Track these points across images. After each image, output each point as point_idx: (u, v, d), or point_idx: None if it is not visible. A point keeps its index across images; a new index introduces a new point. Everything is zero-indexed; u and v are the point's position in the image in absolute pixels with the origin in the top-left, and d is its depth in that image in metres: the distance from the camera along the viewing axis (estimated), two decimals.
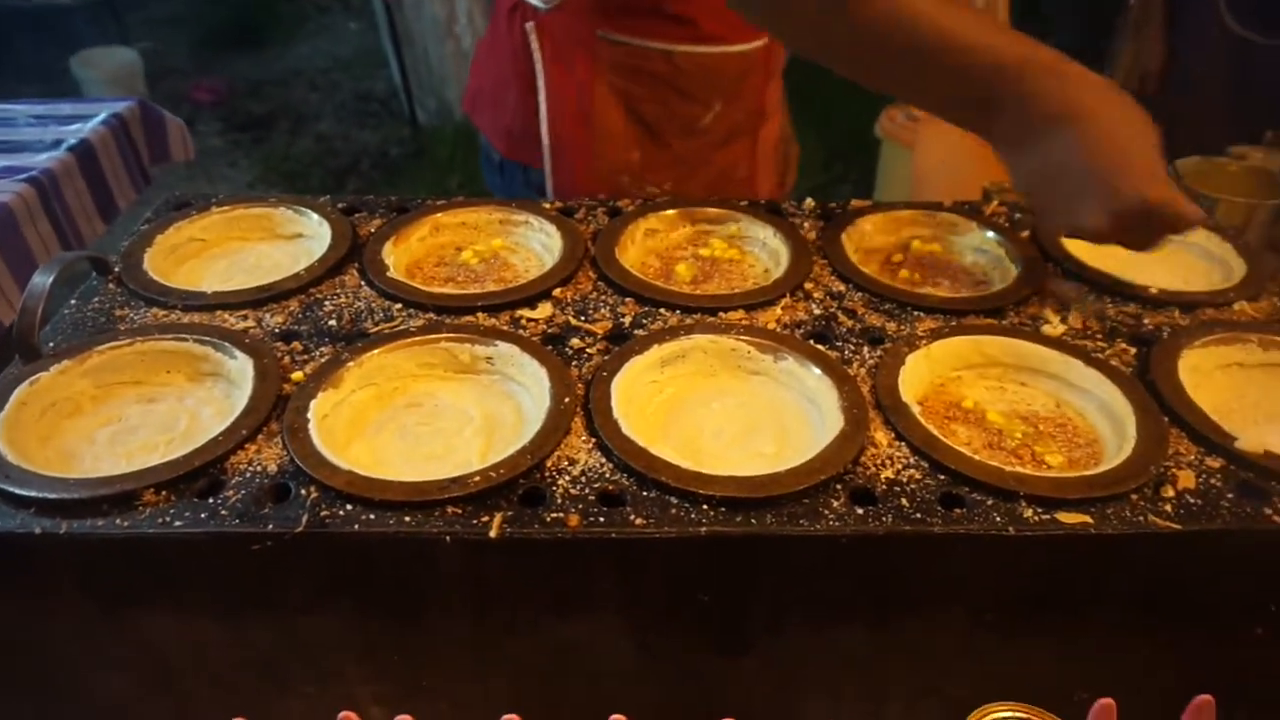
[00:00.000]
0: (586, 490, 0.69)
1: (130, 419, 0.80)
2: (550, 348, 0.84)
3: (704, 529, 0.66)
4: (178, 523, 0.66)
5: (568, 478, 0.71)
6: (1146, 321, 0.91)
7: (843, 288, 0.95)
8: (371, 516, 0.67)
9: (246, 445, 0.73)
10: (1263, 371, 0.86)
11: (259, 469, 0.71)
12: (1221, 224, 1.08)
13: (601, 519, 0.67)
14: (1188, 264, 1.04)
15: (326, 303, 0.91)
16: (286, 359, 0.83)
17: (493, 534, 0.65)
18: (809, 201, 1.10)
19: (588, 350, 0.85)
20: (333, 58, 4.75)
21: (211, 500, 0.68)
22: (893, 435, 0.75)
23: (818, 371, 0.81)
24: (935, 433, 0.75)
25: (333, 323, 0.88)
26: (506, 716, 0.56)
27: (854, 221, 1.05)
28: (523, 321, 0.89)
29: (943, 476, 0.71)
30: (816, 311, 0.91)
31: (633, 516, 0.67)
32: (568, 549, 0.66)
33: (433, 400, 0.82)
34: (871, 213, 1.07)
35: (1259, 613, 0.71)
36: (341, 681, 0.76)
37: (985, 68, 0.83)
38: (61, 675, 0.75)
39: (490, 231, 1.06)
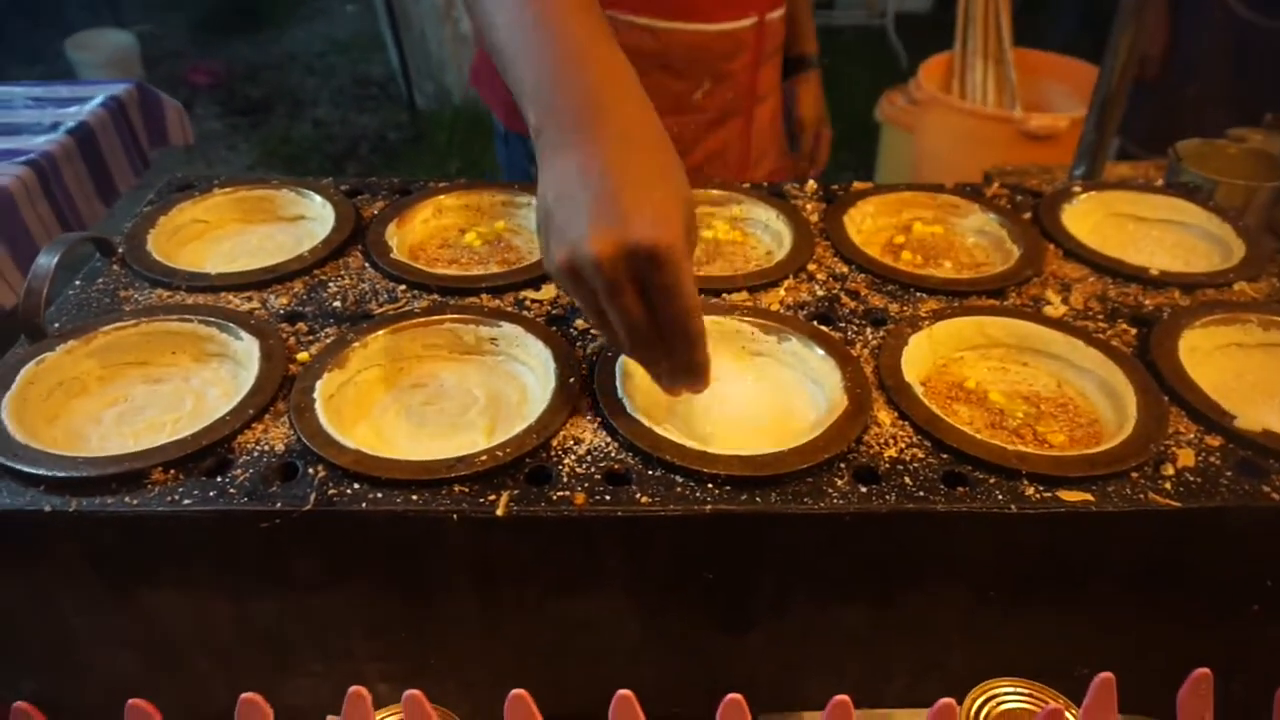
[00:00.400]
0: (592, 469, 0.70)
1: (136, 399, 0.80)
2: (554, 328, 0.85)
3: (709, 507, 0.67)
4: (186, 501, 0.67)
5: (573, 457, 0.71)
6: (1147, 302, 0.92)
7: (845, 269, 0.96)
8: (379, 495, 0.67)
9: (254, 425, 0.74)
10: (1262, 351, 0.87)
11: (266, 448, 0.71)
12: (1221, 206, 1.08)
13: (607, 497, 0.67)
14: (1188, 245, 1.04)
15: (331, 284, 0.92)
16: (292, 340, 0.83)
17: (499, 512, 0.66)
18: (811, 184, 1.10)
19: (591, 331, 0.85)
20: (330, 41, 4.73)
21: (220, 479, 0.69)
22: (896, 415, 0.76)
23: (821, 352, 0.82)
24: (938, 412, 0.75)
25: (337, 304, 0.89)
26: (513, 692, 0.56)
27: (856, 203, 1.06)
28: (527, 302, 0.89)
29: (945, 455, 0.72)
30: (819, 293, 0.92)
31: (638, 495, 0.67)
32: (574, 527, 0.67)
33: (438, 381, 0.83)
34: (873, 195, 1.08)
35: (1257, 589, 0.72)
36: (349, 659, 0.76)
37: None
38: (70, 653, 0.76)
39: (493, 213, 1.06)
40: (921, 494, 0.68)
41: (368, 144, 3.88)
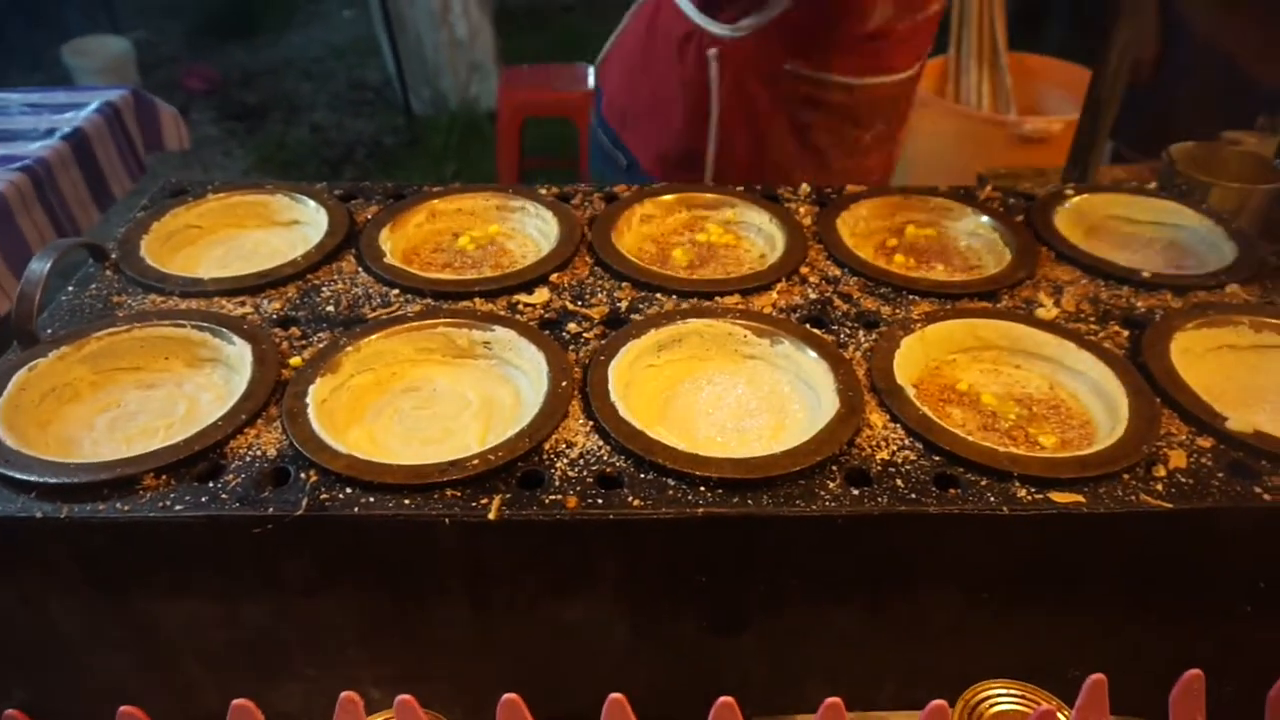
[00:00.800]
0: (584, 472, 0.70)
1: (129, 405, 0.80)
2: (547, 332, 0.85)
3: (701, 510, 0.67)
4: (178, 506, 0.67)
5: (566, 460, 0.71)
6: (1139, 304, 0.92)
7: (838, 272, 0.96)
8: (371, 499, 0.67)
9: (246, 430, 0.73)
10: (1254, 353, 0.87)
11: (259, 453, 0.71)
12: (1215, 208, 1.08)
13: (599, 500, 0.67)
14: (1180, 247, 1.05)
15: (324, 289, 0.92)
16: (285, 345, 0.83)
17: (491, 516, 0.66)
18: (804, 187, 1.10)
19: (585, 335, 0.85)
20: (326, 46, 4.73)
21: (212, 484, 0.68)
22: (888, 417, 0.76)
23: (813, 355, 0.82)
24: (930, 415, 0.75)
25: (331, 308, 0.89)
26: (506, 696, 0.56)
27: (849, 206, 1.06)
28: (520, 306, 0.89)
29: (937, 457, 0.72)
30: (812, 296, 0.92)
31: (630, 498, 0.68)
32: (566, 530, 0.67)
33: (430, 385, 0.83)
34: (866, 198, 1.08)
35: (1248, 589, 0.72)
36: (342, 663, 0.76)
37: None
38: (62, 658, 0.76)
39: (487, 218, 1.06)
40: (913, 496, 0.68)
41: (364, 149, 3.88)
